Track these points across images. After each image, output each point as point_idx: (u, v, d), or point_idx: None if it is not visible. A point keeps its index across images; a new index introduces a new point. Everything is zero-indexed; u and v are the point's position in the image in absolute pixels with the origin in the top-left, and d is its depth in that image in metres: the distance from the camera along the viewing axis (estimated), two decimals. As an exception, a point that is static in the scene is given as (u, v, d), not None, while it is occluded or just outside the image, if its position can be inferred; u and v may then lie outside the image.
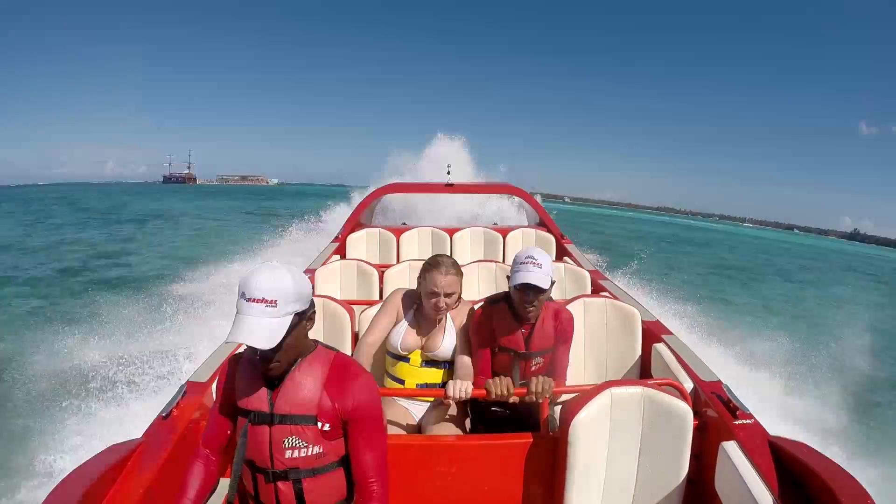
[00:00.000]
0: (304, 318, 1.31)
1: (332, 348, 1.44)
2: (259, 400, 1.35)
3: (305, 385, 1.34)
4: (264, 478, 1.36)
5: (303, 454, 1.33)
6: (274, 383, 1.36)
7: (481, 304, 2.28)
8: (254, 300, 1.21)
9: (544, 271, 2.00)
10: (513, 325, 2.14)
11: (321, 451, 1.34)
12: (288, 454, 1.33)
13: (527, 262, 2.01)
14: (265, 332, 1.20)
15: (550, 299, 2.25)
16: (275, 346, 1.22)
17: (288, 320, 1.24)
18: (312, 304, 1.35)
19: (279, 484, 1.35)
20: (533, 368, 2.16)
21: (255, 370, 1.38)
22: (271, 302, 1.21)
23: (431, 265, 2.16)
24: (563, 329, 2.18)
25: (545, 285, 1.99)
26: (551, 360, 2.19)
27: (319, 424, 1.33)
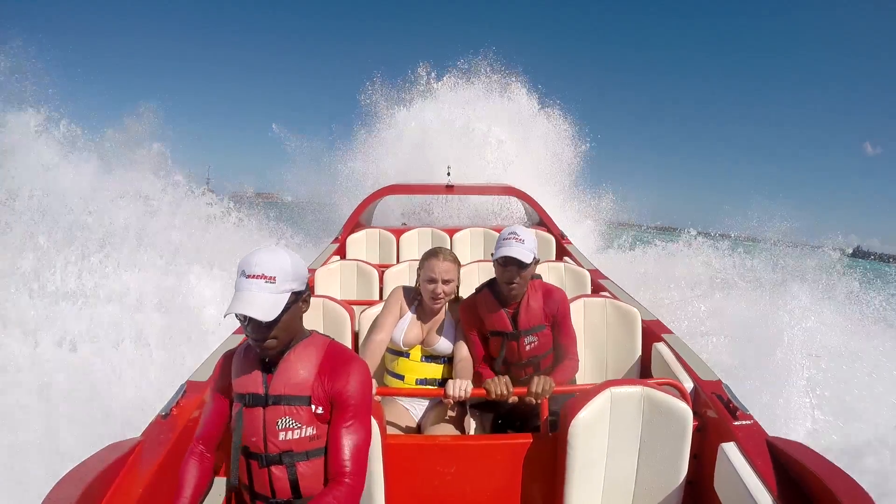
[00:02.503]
0: (299, 298, 1.35)
1: (327, 337, 1.46)
2: (254, 383, 1.37)
3: (300, 367, 1.36)
4: (258, 463, 1.36)
5: (296, 436, 1.34)
6: (270, 368, 1.38)
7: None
8: (253, 276, 1.26)
9: (526, 247, 2.01)
10: (497, 307, 2.16)
11: (315, 432, 1.35)
12: (282, 436, 1.34)
13: (509, 238, 2.03)
14: (264, 304, 1.25)
15: (538, 277, 2.27)
16: (273, 319, 1.25)
17: (286, 297, 1.29)
18: (308, 288, 1.39)
19: (273, 469, 1.35)
20: (527, 348, 2.16)
21: (251, 359, 1.40)
22: (270, 278, 1.26)
23: (429, 254, 2.21)
24: (557, 307, 2.17)
25: (527, 259, 1.99)
26: (555, 339, 2.19)
27: (313, 407, 1.34)
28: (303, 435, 1.34)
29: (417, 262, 2.29)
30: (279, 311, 1.27)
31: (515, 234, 2.04)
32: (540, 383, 1.89)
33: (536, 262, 2.08)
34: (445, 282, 2.15)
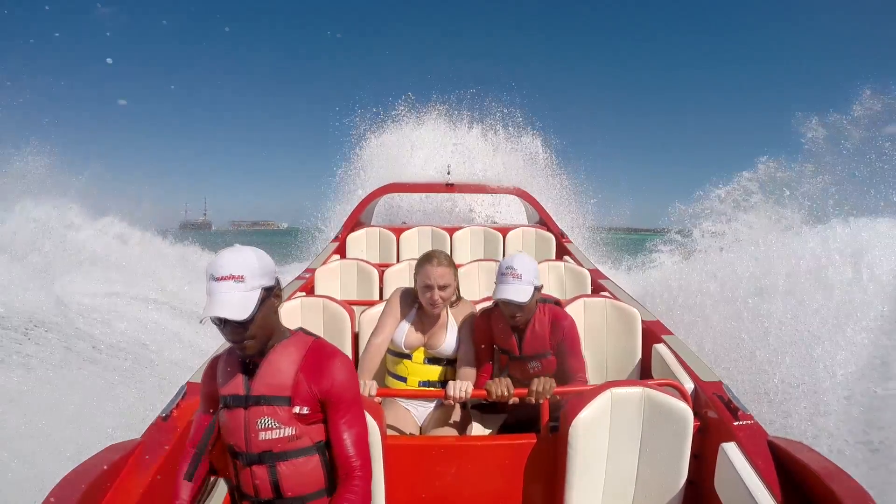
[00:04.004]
0: (271, 294, 1.35)
1: (311, 335, 1.46)
2: (236, 385, 1.38)
3: (280, 367, 1.36)
4: (241, 463, 1.38)
5: (276, 435, 1.34)
6: (252, 369, 1.38)
7: (483, 305, 2.29)
8: (222, 278, 1.26)
9: (525, 281, 1.98)
10: (506, 328, 2.16)
11: (294, 432, 1.35)
12: (262, 436, 1.34)
13: (506, 274, 2.01)
14: (236, 304, 1.25)
15: (554, 302, 2.24)
16: (247, 317, 1.26)
17: (257, 294, 1.29)
18: (279, 282, 1.39)
19: (255, 468, 1.36)
20: (531, 371, 2.16)
21: (234, 361, 1.41)
22: (239, 277, 1.27)
23: (423, 259, 2.19)
24: (564, 336, 2.13)
25: (523, 299, 1.97)
26: (559, 367, 2.14)
27: (297, 409, 1.34)
28: (282, 435, 1.35)
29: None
30: (252, 309, 1.27)
31: (512, 268, 2.00)
32: (540, 383, 1.89)
33: (539, 289, 2.07)
34: (442, 287, 2.13)
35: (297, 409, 1.35)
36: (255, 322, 1.29)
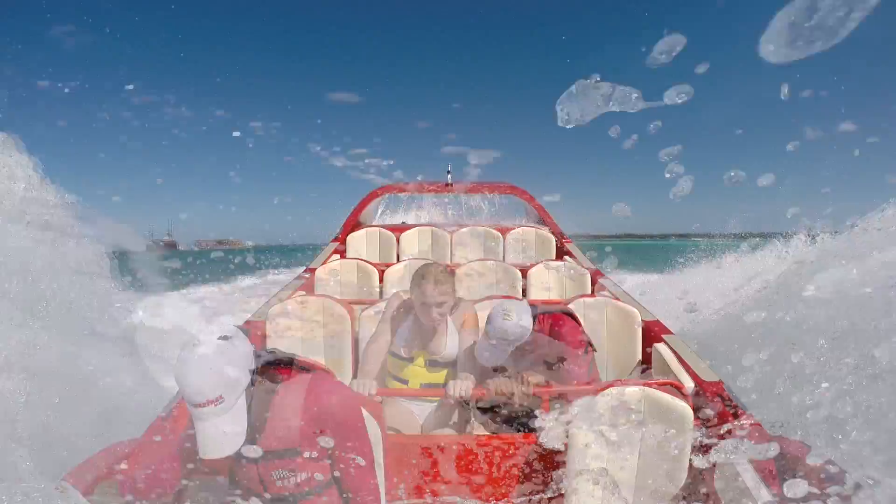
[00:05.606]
0: (253, 382, 1.27)
1: (306, 369, 1.40)
2: None
3: (284, 417, 1.32)
4: None
5: (293, 482, 1.34)
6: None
7: (482, 304, 2.30)
8: (200, 405, 1.17)
9: (499, 349, 2.05)
10: None
11: (309, 475, 1.35)
12: (279, 484, 1.34)
13: (488, 336, 2.06)
14: (229, 434, 1.19)
15: (559, 310, 2.25)
16: (244, 433, 1.21)
17: (242, 402, 1.22)
18: (255, 365, 1.29)
19: None
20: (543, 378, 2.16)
21: None
22: (216, 399, 1.17)
23: (421, 277, 2.14)
24: (562, 343, 2.13)
25: (498, 363, 2.06)
26: (566, 372, 2.13)
27: (307, 453, 1.33)
28: (299, 480, 1.35)
29: (417, 261, 2.28)
30: (245, 423, 1.21)
31: (487, 334, 2.05)
32: (504, 384, 1.97)
33: (528, 330, 2.08)
34: (439, 304, 2.12)
35: (307, 454, 1.33)
36: (251, 424, 1.25)
